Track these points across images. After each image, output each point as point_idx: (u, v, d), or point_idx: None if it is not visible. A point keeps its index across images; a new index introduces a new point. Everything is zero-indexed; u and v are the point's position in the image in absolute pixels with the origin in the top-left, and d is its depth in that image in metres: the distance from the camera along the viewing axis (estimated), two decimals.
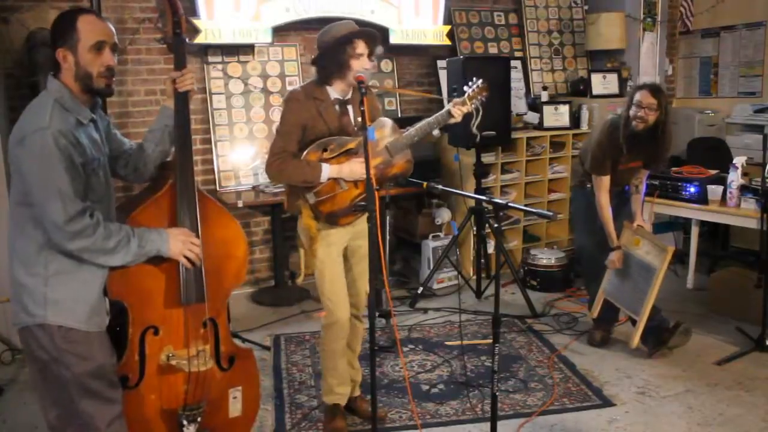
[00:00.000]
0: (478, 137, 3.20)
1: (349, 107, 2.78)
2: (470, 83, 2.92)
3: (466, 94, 2.89)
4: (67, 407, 1.97)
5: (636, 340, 3.43)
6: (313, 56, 2.74)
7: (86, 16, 1.96)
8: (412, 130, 2.82)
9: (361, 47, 2.64)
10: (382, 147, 2.76)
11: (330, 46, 2.63)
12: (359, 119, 2.73)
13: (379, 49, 2.75)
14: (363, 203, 2.74)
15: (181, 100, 2.19)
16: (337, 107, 2.73)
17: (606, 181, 3.51)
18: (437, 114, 2.86)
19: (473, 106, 2.90)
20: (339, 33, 2.64)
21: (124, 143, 2.24)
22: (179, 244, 2.07)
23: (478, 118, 2.98)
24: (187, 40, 2.27)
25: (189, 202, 2.16)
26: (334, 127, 2.72)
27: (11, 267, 1.97)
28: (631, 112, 3.39)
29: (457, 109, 2.84)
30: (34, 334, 1.93)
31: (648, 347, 3.63)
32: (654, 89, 3.39)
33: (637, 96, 3.38)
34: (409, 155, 2.84)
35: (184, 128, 2.19)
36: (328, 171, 2.65)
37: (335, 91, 2.72)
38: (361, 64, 2.64)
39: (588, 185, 3.64)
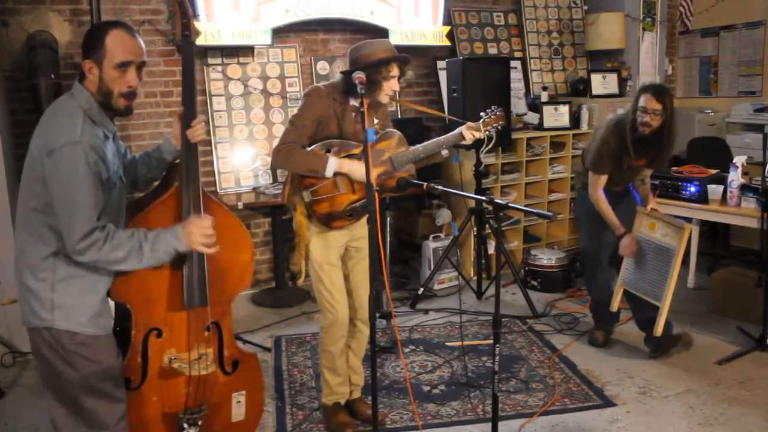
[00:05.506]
0: (483, 165, 3.16)
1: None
2: (488, 111, 2.94)
3: (482, 120, 2.91)
4: (73, 406, 1.99)
5: (660, 328, 3.36)
6: (344, 67, 2.71)
7: (117, 32, 1.91)
8: (419, 147, 2.82)
9: (395, 70, 2.66)
10: (386, 158, 2.76)
11: (365, 66, 2.60)
12: (376, 127, 2.76)
13: (410, 74, 2.77)
14: (359, 209, 2.73)
15: (190, 144, 2.16)
16: (353, 114, 2.73)
17: (603, 180, 3.49)
18: (448, 134, 2.88)
19: (487, 133, 2.91)
20: (377, 55, 2.63)
21: (122, 149, 2.21)
22: (193, 236, 2.01)
23: (490, 145, 2.99)
24: (195, 42, 2.23)
25: (194, 205, 2.13)
26: (346, 131, 2.72)
27: (19, 270, 1.97)
28: (638, 118, 3.30)
29: (469, 133, 2.85)
30: (42, 335, 1.94)
31: (650, 348, 3.63)
32: (658, 92, 3.27)
33: (642, 101, 3.28)
34: (412, 170, 2.84)
35: (191, 160, 2.14)
36: (334, 164, 2.63)
37: (354, 99, 2.72)
38: (391, 85, 2.65)
39: None
